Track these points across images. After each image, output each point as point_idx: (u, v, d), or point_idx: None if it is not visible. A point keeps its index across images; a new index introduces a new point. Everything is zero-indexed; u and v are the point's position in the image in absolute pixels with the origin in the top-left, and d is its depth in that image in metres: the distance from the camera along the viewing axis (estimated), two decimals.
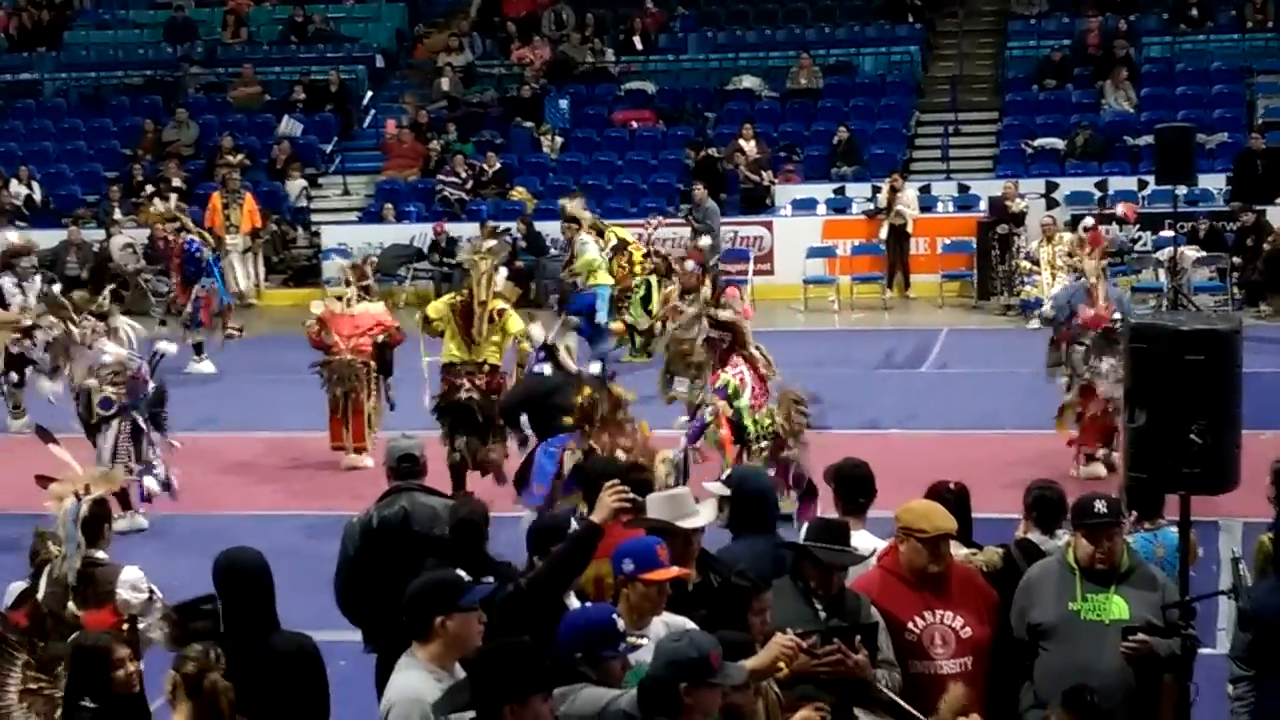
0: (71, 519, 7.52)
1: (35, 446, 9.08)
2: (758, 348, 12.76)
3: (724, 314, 12.69)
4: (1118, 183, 26.04)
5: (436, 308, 13.82)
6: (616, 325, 20.11)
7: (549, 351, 12.42)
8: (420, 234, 26.84)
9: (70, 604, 7.40)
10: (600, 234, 20.61)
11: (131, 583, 7.62)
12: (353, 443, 15.42)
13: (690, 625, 6.34)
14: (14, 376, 16.97)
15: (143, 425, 13.72)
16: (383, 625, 8.02)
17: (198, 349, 20.39)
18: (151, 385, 13.86)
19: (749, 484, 7.69)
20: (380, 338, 15.41)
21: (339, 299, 15.93)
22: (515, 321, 13.45)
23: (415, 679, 5.95)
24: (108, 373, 13.79)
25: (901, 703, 6.52)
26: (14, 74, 32.50)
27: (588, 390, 10.44)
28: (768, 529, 7.59)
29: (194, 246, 20.87)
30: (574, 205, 20.76)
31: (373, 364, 15.41)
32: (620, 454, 9.54)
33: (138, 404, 13.74)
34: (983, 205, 25.95)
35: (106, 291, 15.10)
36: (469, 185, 27.93)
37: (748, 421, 12.01)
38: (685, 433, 12.59)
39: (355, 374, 15.33)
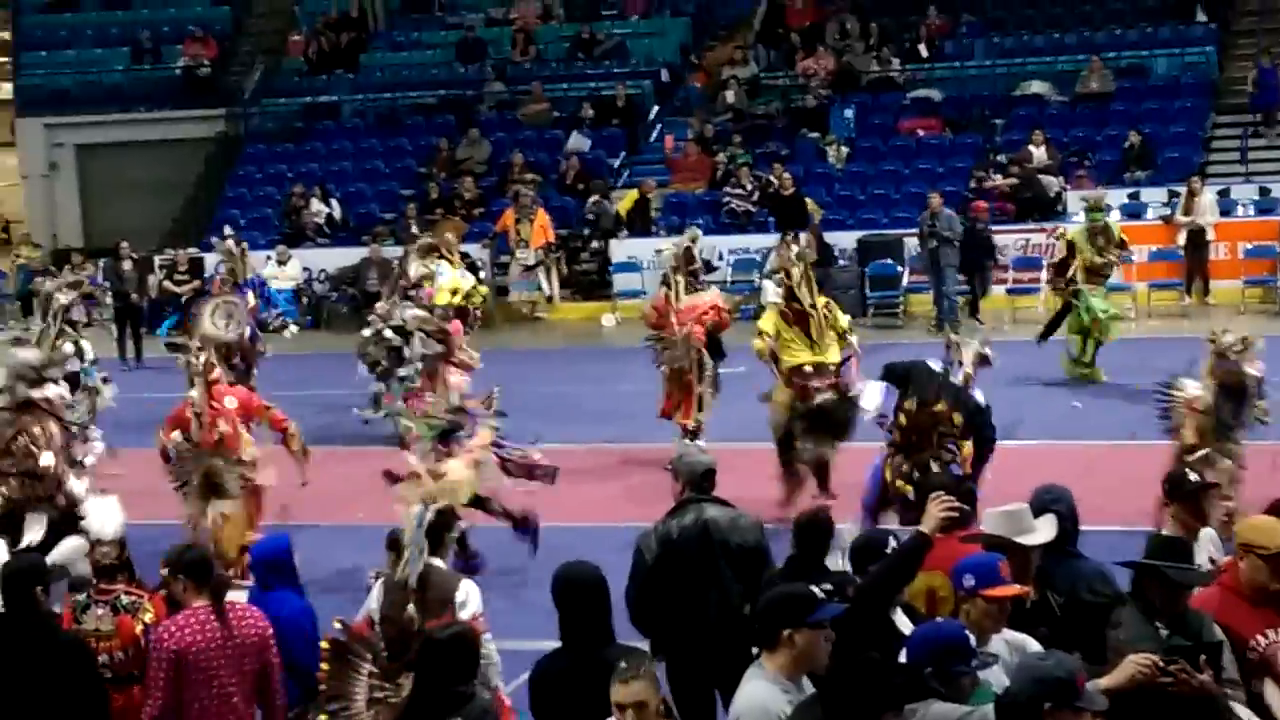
0: (417, 524, 7.72)
1: None
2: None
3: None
4: None
5: (770, 319, 14.00)
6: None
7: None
8: (708, 246, 26.93)
9: (410, 608, 7.58)
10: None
11: (468, 593, 7.85)
12: (681, 419, 15.58)
13: (1033, 643, 6.29)
14: None
15: None
16: (673, 634, 8.11)
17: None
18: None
19: (1065, 502, 7.47)
20: (711, 322, 15.62)
21: (667, 286, 16.02)
22: (842, 316, 13.88)
23: (763, 690, 6.05)
24: None
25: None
26: (314, 96, 33.70)
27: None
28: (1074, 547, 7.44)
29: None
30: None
31: (704, 350, 15.59)
32: None
33: None
34: None
35: None
36: (755, 197, 28.03)
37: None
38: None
39: (687, 353, 15.49)
